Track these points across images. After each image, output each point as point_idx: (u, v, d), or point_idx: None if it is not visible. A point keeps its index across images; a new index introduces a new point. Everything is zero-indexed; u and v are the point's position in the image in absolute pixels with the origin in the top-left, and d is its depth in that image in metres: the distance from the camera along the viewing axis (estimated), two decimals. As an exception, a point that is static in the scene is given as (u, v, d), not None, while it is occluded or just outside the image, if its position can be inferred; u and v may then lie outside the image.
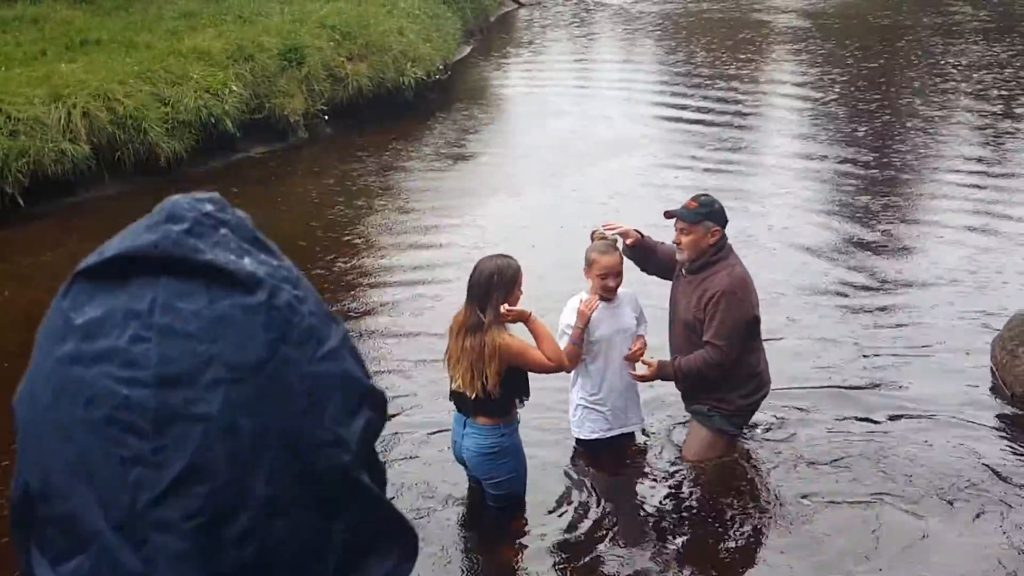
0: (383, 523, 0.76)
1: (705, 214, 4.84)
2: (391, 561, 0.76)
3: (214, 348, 0.68)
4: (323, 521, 0.71)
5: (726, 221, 4.95)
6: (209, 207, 0.73)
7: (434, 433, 5.54)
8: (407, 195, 9.90)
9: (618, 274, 4.94)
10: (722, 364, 4.86)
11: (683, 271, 5.04)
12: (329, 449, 0.71)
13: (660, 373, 4.96)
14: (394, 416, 5.78)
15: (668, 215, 4.96)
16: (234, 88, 10.89)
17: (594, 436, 5.22)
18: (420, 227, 9.00)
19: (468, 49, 16.91)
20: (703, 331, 4.85)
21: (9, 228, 8.82)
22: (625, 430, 5.28)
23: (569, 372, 4.99)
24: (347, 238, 8.75)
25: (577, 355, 4.84)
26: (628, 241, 5.10)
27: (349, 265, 8.18)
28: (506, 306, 4.40)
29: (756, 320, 4.95)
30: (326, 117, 11.97)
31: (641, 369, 4.98)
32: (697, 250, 4.86)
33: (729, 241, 4.98)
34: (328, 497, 0.71)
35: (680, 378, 4.99)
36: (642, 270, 5.34)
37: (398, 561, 0.77)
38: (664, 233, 5.32)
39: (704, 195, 5.03)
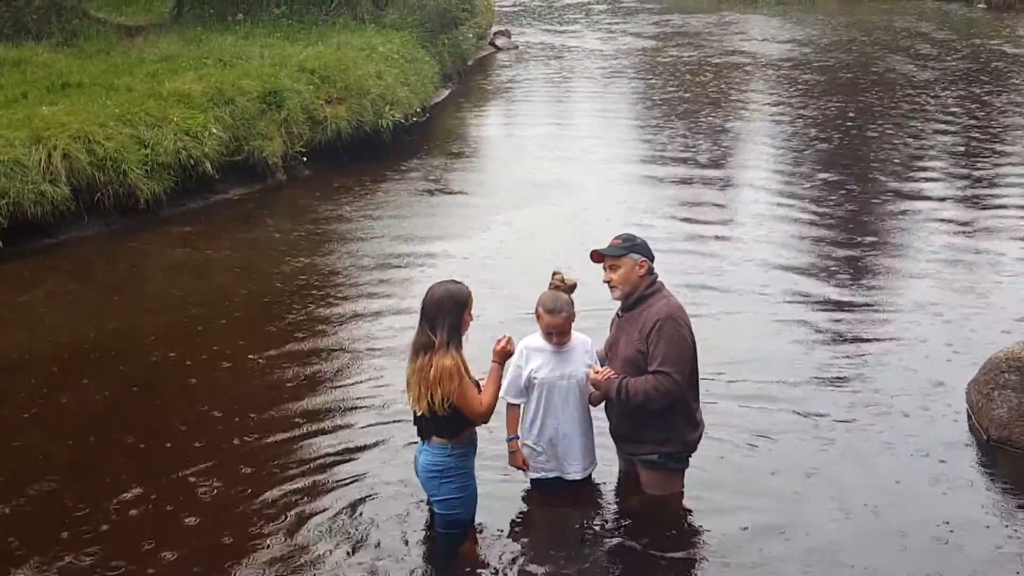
0: None
1: (629, 247, 4.96)
2: None
3: None
4: None
5: (652, 256, 5.03)
6: None
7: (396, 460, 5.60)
8: (383, 235, 10.02)
9: (562, 333, 4.95)
10: (671, 393, 4.82)
11: (619, 312, 5.09)
12: None
13: (607, 385, 4.91)
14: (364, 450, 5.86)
15: (595, 256, 5.01)
16: (214, 130, 11.03)
17: (534, 475, 5.19)
18: (395, 266, 9.12)
19: (446, 92, 17.15)
20: (648, 362, 4.84)
21: (-12, 268, 8.89)
22: (566, 476, 5.15)
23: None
24: (324, 278, 8.86)
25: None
26: None
27: (325, 304, 8.28)
28: (507, 339, 4.67)
29: (695, 350, 4.99)
30: (305, 159, 12.11)
31: (594, 375, 4.91)
32: (629, 284, 4.94)
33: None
34: None
35: (623, 398, 4.87)
36: None
37: None
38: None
39: (626, 233, 5.13)
